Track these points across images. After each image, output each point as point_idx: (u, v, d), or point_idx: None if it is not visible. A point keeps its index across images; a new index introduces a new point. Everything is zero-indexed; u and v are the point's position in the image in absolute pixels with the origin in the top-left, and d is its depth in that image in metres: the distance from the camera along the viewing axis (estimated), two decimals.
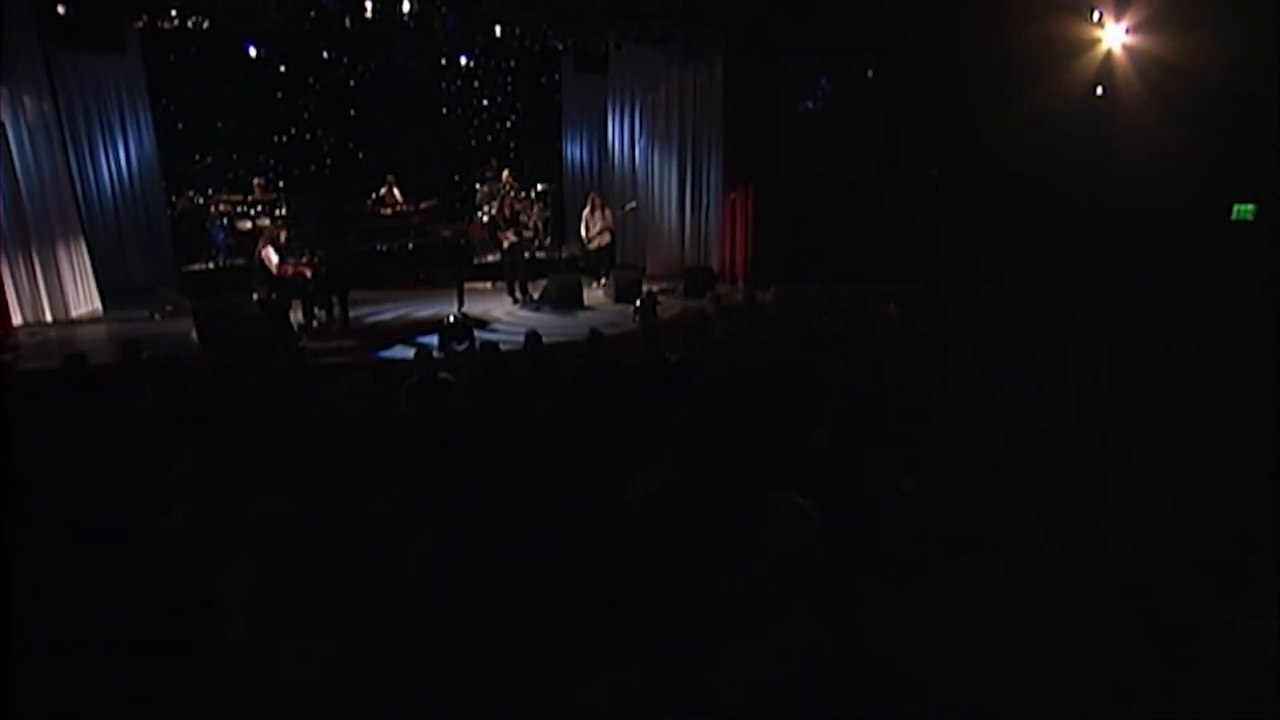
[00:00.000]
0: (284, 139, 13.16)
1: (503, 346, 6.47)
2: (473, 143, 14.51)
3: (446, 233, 11.68)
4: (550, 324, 9.48)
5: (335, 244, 10.35)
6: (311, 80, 13.10)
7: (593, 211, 11.53)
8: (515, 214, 11.21)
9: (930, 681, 2.23)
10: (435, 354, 7.14)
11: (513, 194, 12.13)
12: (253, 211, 11.68)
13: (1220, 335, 6.39)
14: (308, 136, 13.35)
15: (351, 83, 13.39)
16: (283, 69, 12.76)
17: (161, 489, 3.54)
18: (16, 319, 8.93)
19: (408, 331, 9.06)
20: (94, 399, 5.49)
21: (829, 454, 3.66)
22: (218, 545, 3.12)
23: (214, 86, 12.09)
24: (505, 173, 12.77)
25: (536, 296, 10.76)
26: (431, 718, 2.41)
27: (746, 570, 2.56)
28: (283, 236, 9.36)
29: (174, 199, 11.90)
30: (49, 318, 9.47)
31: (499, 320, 9.89)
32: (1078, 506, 3.30)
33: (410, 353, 6.48)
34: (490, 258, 11.83)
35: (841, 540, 2.54)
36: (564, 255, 13.20)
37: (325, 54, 12.92)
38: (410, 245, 10.43)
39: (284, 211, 11.90)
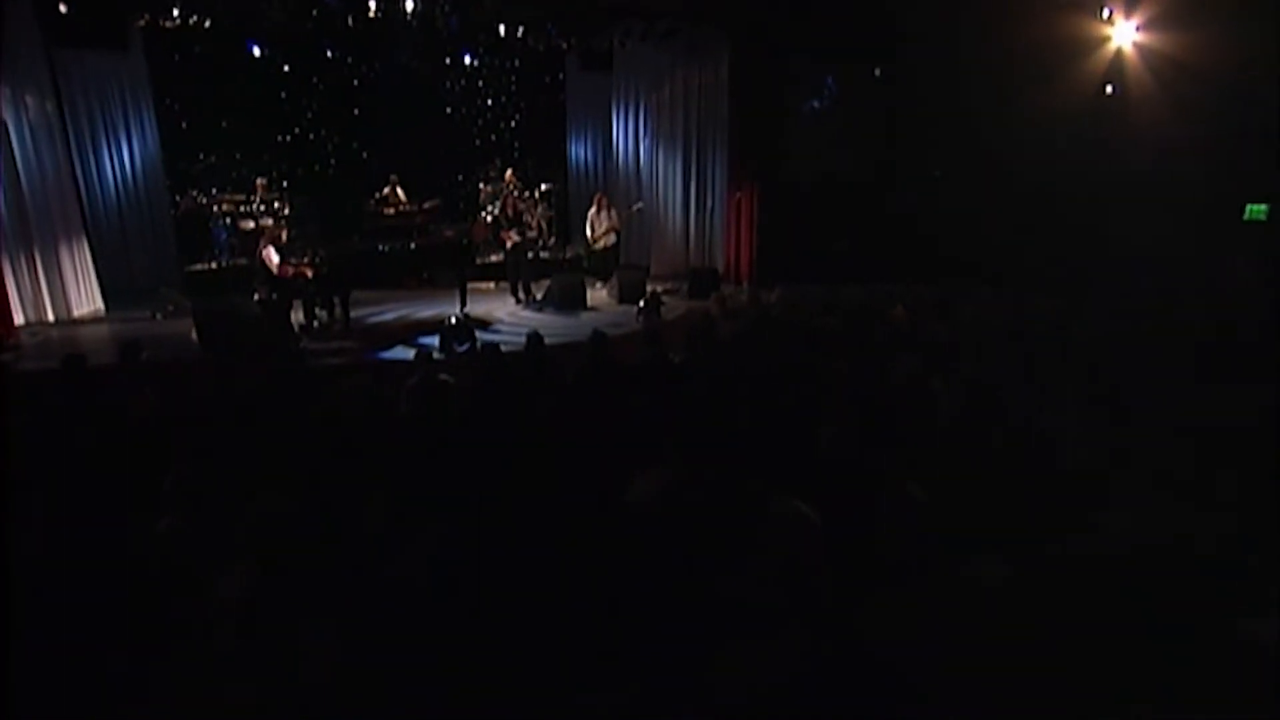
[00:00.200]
0: (288, 138, 13.16)
1: (505, 347, 6.45)
2: (477, 142, 14.49)
3: (450, 232, 11.66)
4: (553, 325, 9.44)
5: (337, 244, 10.33)
6: (315, 80, 13.09)
7: (599, 211, 11.48)
8: (519, 214, 11.18)
9: (931, 683, 2.20)
10: (435, 355, 7.11)
11: (516, 194, 12.12)
12: (256, 211, 11.67)
13: (1230, 336, 6.33)
14: (311, 136, 13.34)
15: (355, 82, 13.38)
16: (286, 68, 12.76)
17: (159, 491, 3.52)
18: (19, 318, 8.93)
19: (409, 332, 9.03)
20: (93, 400, 5.48)
21: (833, 458, 3.62)
22: (214, 547, 3.10)
23: (218, 86, 12.10)
24: (509, 172, 12.76)
25: (539, 297, 10.72)
26: (432, 718, 2.39)
27: (747, 574, 2.53)
28: (284, 236, 9.35)
29: (178, 198, 11.90)
30: (51, 317, 9.47)
31: (501, 321, 9.85)
32: (1080, 508, 3.27)
33: (411, 354, 6.45)
34: (494, 258, 11.81)
35: (845, 546, 2.50)
36: (568, 255, 13.17)
37: (329, 53, 12.92)
38: (412, 245, 10.41)
39: (287, 211, 11.89)
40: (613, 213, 11.55)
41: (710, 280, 11.18)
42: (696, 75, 12.09)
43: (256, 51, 11.87)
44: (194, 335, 8.33)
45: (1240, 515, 3.20)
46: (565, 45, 13.05)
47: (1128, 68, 10.38)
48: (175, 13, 9.94)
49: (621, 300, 10.68)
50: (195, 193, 11.86)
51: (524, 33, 11.64)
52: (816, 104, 13.07)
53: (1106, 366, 5.57)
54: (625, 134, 13.56)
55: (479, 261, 11.72)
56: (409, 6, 9.97)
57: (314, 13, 10.29)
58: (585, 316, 10.09)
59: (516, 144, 14.67)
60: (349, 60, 13.19)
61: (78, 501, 3.76)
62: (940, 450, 3.78)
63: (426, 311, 10.03)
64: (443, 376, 5.73)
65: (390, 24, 10.41)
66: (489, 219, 12.49)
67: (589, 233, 11.61)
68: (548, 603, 2.76)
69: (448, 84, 14.12)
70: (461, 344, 8.20)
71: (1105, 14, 10.39)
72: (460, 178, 14.25)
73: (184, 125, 12.18)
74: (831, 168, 12.41)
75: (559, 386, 5.76)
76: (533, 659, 2.50)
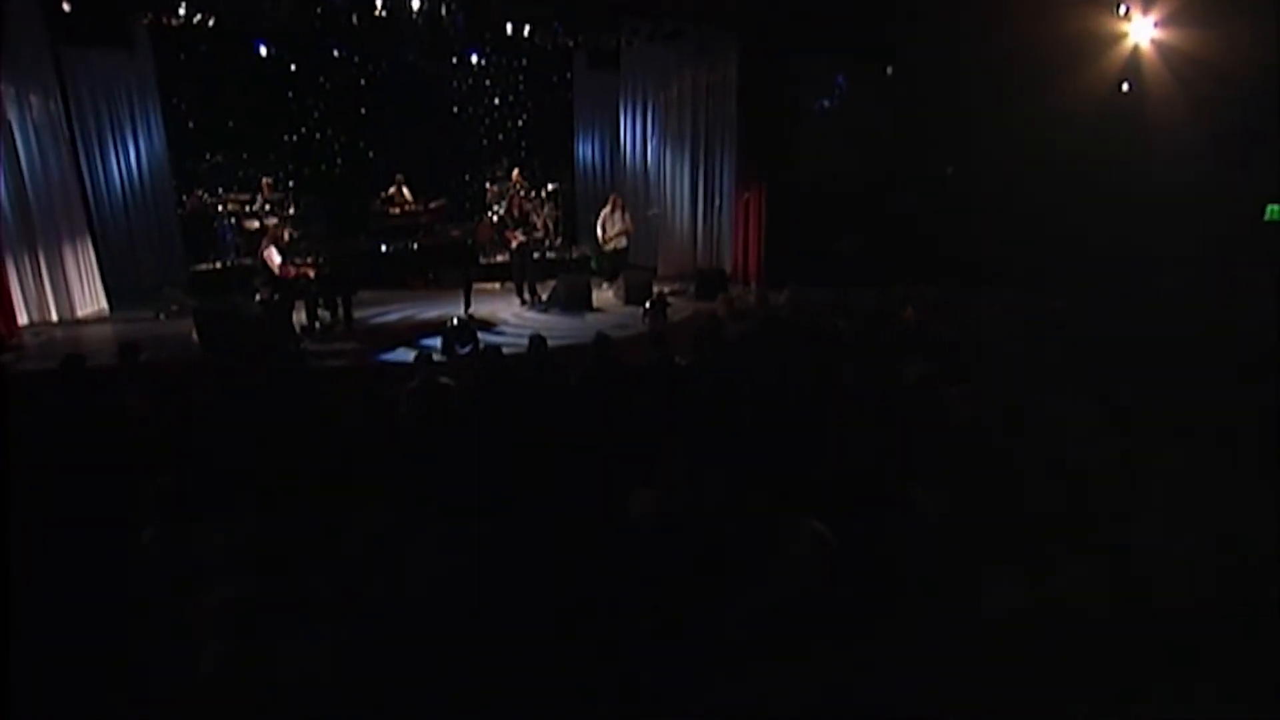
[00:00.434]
0: (294, 138, 13.12)
1: (507, 349, 6.34)
2: (483, 141, 14.41)
3: (455, 232, 11.59)
4: (558, 326, 9.34)
5: (342, 244, 10.25)
6: (322, 79, 13.05)
7: (612, 212, 11.36)
8: (525, 214, 11.07)
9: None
10: (435, 357, 7.01)
11: (522, 194, 12.01)
12: (261, 210, 11.60)
13: (1245, 338, 6.17)
14: (318, 135, 13.30)
15: (362, 81, 13.33)
16: (293, 68, 12.70)
17: (145, 499, 3.44)
18: (22, 318, 8.87)
19: (412, 333, 8.94)
20: (88, 402, 5.41)
21: (845, 470, 3.48)
22: (193, 561, 3.00)
23: (224, 85, 12.06)
24: (515, 172, 12.66)
25: (545, 298, 10.62)
26: None
27: (757, 598, 2.41)
28: (286, 236, 9.28)
29: (184, 198, 11.86)
30: (54, 317, 9.42)
31: (506, 322, 9.75)
32: (1101, 522, 3.13)
33: (413, 355, 6.35)
34: (500, 258, 11.72)
35: (857, 565, 2.37)
36: (574, 256, 13.06)
37: (335, 53, 12.87)
38: (415, 245, 10.32)
39: (293, 211, 11.83)
40: (626, 215, 11.43)
41: (718, 281, 11.05)
42: (705, 74, 11.97)
43: (263, 51, 11.82)
44: (194, 336, 8.26)
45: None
46: (572, 44, 12.94)
47: (1145, 65, 10.18)
48: (180, 11, 9.84)
49: (628, 301, 10.57)
50: (201, 192, 11.82)
51: (531, 31, 11.54)
52: (827, 103, 12.91)
53: (1119, 369, 5.45)
54: (633, 133, 13.44)
55: (485, 261, 11.66)
56: (415, 5, 9.87)
57: (319, 11, 10.20)
58: (591, 318, 9.98)
59: (523, 143, 14.59)
60: (355, 59, 13.14)
61: (69, 504, 3.69)
62: (956, 461, 3.64)
63: (431, 312, 9.93)
64: (443, 380, 5.64)
65: (396, 23, 10.33)
66: (494, 219, 12.41)
67: (600, 232, 11.49)
68: (546, 614, 2.71)
69: (454, 83, 14.05)
70: (463, 346, 8.11)
71: (1122, 10, 10.18)
72: (466, 177, 14.18)
73: (190, 124, 12.15)
74: (841, 168, 12.24)
75: (561, 390, 5.66)
76: (530, 669, 2.46)
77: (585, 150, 14.84)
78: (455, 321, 8.41)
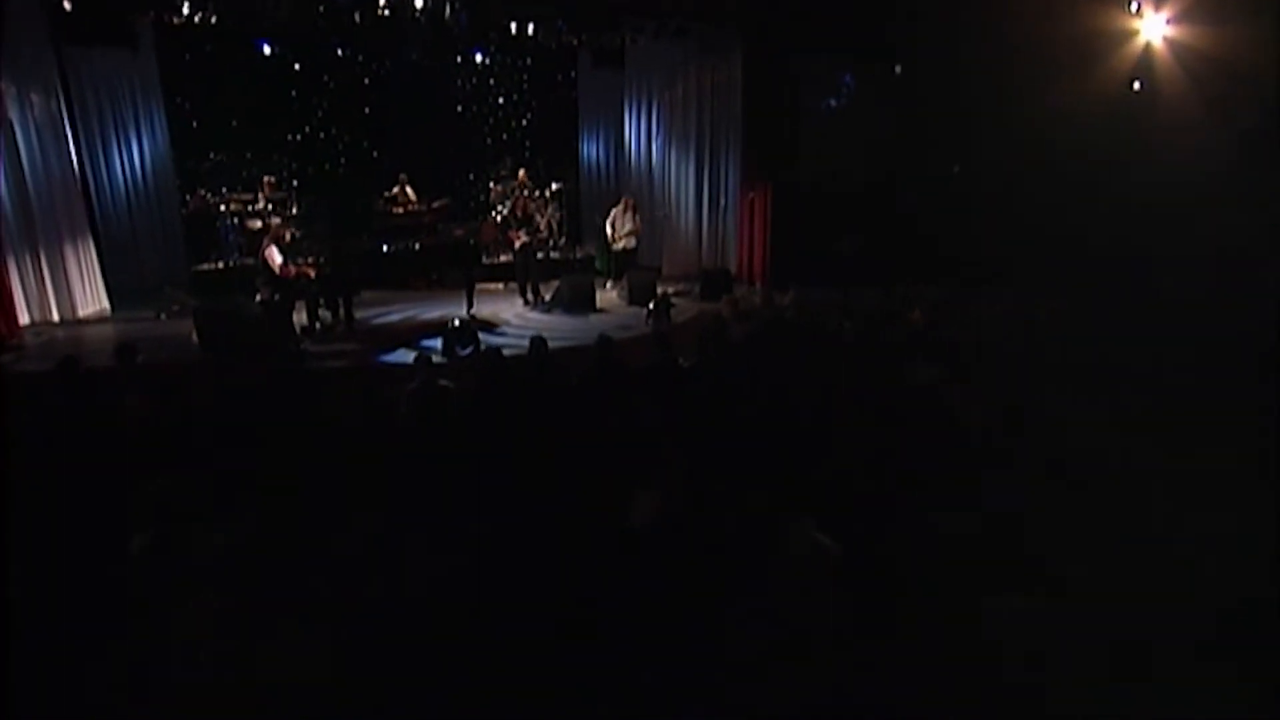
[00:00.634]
0: (297, 137, 13.09)
1: (509, 351, 6.29)
2: (487, 140, 14.35)
3: (459, 232, 11.53)
4: (560, 327, 9.27)
5: (344, 243, 10.20)
6: (325, 78, 13.02)
7: (624, 212, 11.31)
8: (529, 214, 11.01)
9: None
10: (435, 359, 6.94)
11: (526, 193, 11.95)
12: (264, 210, 11.57)
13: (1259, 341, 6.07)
14: (321, 135, 13.27)
15: (366, 80, 13.29)
16: (297, 67, 12.68)
17: (143, 499, 3.39)
18: (23, 318, 8.86)
19: (413, 334, 8.88)
20: (88, 402, 5.37)
21: (848, 471, 3.41)
22: (183, 570, 2.95)
23: (228, 84, 12.04)
24: (521, 172, 12.59)
25: (548, 298, 10.55)
26: None
27: (758, 608, 2.35)
28: (288, 236, 9.23)
29: (187, 198, 11.84)
30: (55, 317, 9.40)
31: (508, 323, 9.68)
32: (1116, 531, 3.05)
33: (413, 357, 6.29)
34: (503, 258, 11.66)
35: (861, 576, 2.30)
36: (578, 256, 13.00)
37: (339, 52, 12.84)
38: (418, 245, 10.27)
39: (296, 210, 11.80)
40: (638, 217, 11.38)
41: (723, 281, 10.98)
42: (709, 73, 11.90)
43: (267, 50, 11.80)
44: (194, 336, 8.21)
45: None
46: (576, 42, 12.87)
47: (1157, 63, 10.04)
48: (183, 10, 9.80)
49: (631, 302, 10.50)
50: (204, 192, 11.79)
51: (535, 29, 11.48)
52: (833, 103, 12.80)
53: (1119, 370, 5.38)
54: (637, 132, 13.36)
55: (489, 262, 11.60)
56: (419, 4, 9.83)
57: (321, 10, 10.16)
58: (594, 318, 9.91)
59: (527, 142, 14.52)
60: (359, 58, 13.10)
61: (68, 505, 3.65)
62: (962, 468, 3.56)
63: (433, 312, 9.87)
64: (443, 382, 5.58)
65: (400, 21, 10.29)
66: (498, 219, 12.35)
67: (609, 231, 11.42)
68: (545, 615, 2.70)
69: (458, 82, 13.99)
70: (464, 347, 8.04)
71: (1134, 7, 10.05)
72: (470, 176, 14.13)
73: (195, 124, 12.13)
74: (842, 167, 12.14)
75: (561, 391, 5.60)
76: (530, 669, 2.45)
77: (590, 149, 14.77)
78: (456, 322, 8.35)
